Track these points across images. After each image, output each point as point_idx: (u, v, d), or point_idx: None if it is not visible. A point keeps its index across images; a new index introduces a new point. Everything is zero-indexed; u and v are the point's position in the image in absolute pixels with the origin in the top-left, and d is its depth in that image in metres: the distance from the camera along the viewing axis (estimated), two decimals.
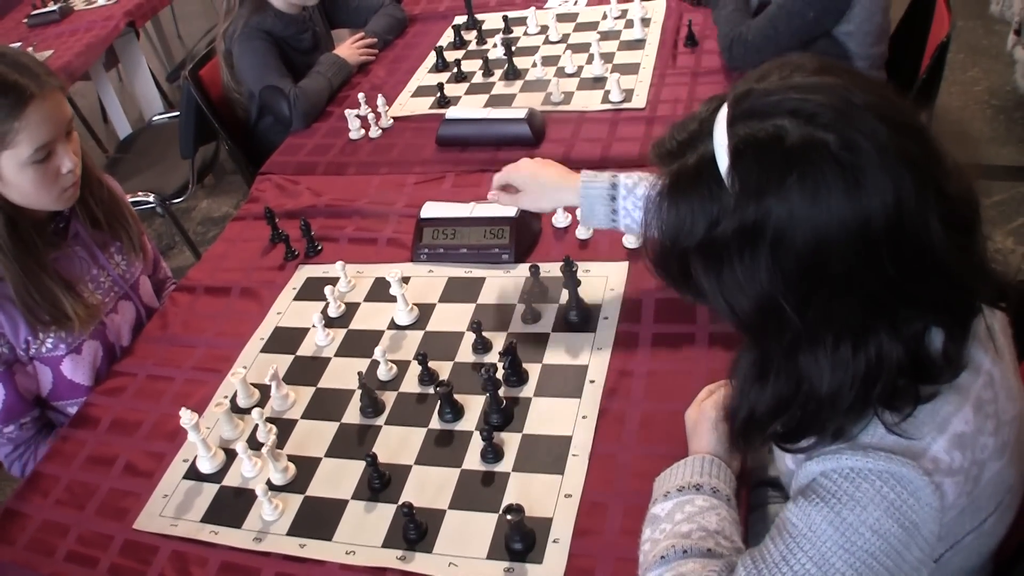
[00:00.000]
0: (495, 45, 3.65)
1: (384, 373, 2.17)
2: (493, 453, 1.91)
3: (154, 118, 5.11)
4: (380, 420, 2.07)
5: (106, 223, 2.51)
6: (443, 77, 3.51)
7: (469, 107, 3.27)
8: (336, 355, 2.29)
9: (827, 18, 3.06)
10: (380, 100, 3.30)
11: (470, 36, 3.81)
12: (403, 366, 2.20)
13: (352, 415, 2.10)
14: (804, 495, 1.37)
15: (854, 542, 1.30)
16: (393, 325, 2.33)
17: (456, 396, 2.04)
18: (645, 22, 3.54)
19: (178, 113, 4.27)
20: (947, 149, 1.30)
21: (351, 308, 2.43)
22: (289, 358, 2.31)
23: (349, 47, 3.79)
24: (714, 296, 1.34)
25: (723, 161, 1.27)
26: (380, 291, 2.44)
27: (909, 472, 1.29)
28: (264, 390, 2.20)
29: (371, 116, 3.26)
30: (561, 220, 2.55)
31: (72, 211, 2.43)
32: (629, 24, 3.57)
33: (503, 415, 1.99)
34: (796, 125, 1.21)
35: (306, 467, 2.00)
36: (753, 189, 1.23)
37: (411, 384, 2.15)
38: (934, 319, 1.29)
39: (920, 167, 1.22)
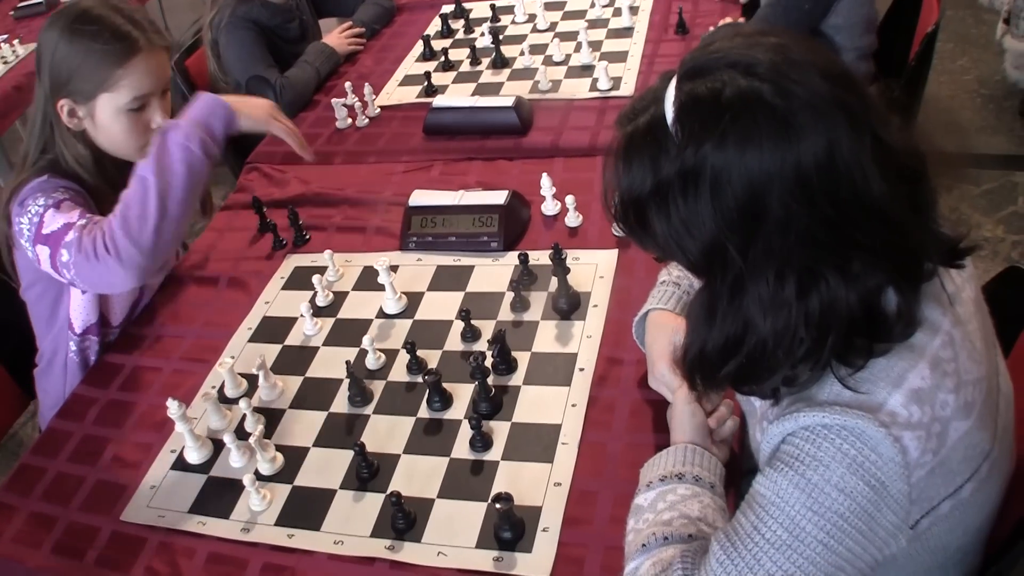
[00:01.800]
0: (483, 34, 3.64)
1: (372, 362, 2.17)
2: (482, 442, 1.90)
3: None
4: (368, 409, 2.07)
5: None
6: (430, 66, 3.50)
7: (457, 95, 3.26)
8: (324, 344, 2.28)
9: (819, 9, 3.05)
10: (367, 89, 3.29)
11: (457, 25, 3.80)
12: (391, 355, 2.19)
13: (340, 404, 2.10)
14: (770, 464, 1.39)
15: (821, 503, 1.31)
16: (381, 314, 2.33)
17: (445, 385, 2.03)
18: (633, 10, 3.54)
19: None
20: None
21: (339, 297, 2.42)
22: (277, 348, 2.30)
23: (337, 36, 3.78)
24: (666, 241, 1.39)
25: (670, 116, 1.33)
26: (368, 280, 2.43)
27: (866, 425, 1.30)
28: (252, 380, 2.19)
29: (358, 105, 3.25)
30: (551, 208, 2.54)
31: None
32: (617, 12, 3.57)
33: (492, 404, 1.98)
34: (734, 77, 1.28)
35: (294, 457, 1.99)
36: (692, 135, 1.30)
37: (399, 373, 2.14)
38: (884, 274, 1.31)
39: (855, 114, 1.27)
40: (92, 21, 2.18)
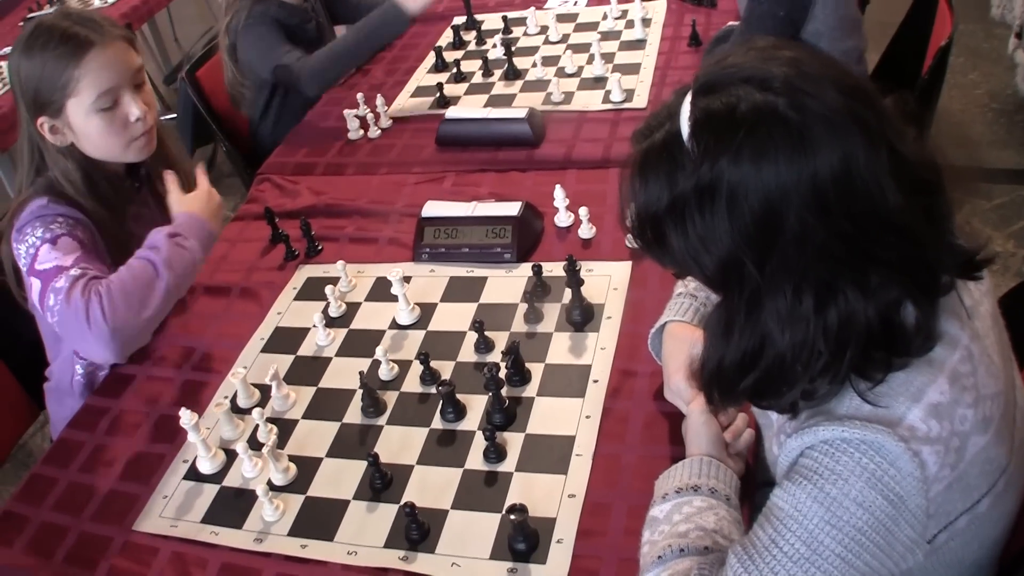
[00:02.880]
0: (495, 45, 3.65)
1: (385, 373, 2.16)
2: (496, 453, 1.90)
3: None
4: (382, 420, 2.06)
5: None
6: (442, 77, 3.50)
7: (469, 107, 3.26)
8: (337, 355, 2.28)
9: (795, 15, 3.03)
10: (379, 100, 3.29)
11: (469, 36, 3.81)
12: (405, 366, 2.18)
13: (353, 415, 2.09)
14: (788, 478, 1.39)
15: (840, 517, 1.31)
16: (394, 325, 2.32)
17: (458, 396, 2.03)
18: (646, 22, 3.54)
19: (175, 116, 4.26)
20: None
21: (352, 308, 2.41)
22: (290, 358, 2.30)
23: None
24: (683, 256, 1.39)
25: (685, 132, 1.33)
26: (381, 291, 2.43)
27: (885, 440, 1.30)
28: (264, 390, 2.19)
29: (370, 116, 3.25)
30: (564, 219, 2.54)
31: (149, 176, 2.50)
32: (630, 24, 3.57)
33: (506, 415, 1.98)
34: (749, 91, 1.28)
35: (307, 467, 1.99)
36: (708, 150, 1.29)
37: (413, 384, 2.14)
38: (902, 287, 1.31)
39: (871, 127, 1.27)
40: (41, 34, 2.20)
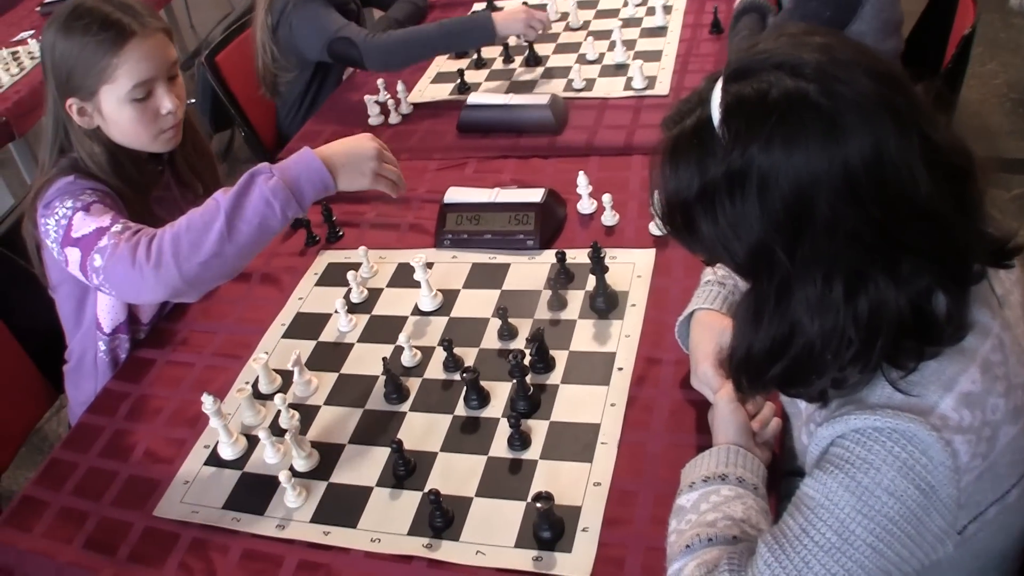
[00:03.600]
0: None
1: (408, 359, 2.15)
2: (520, 440, 1.89)
3: None
4: (405, 406, 2.05)
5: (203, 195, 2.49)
6: (463, 63, 3.50)
7: (490, 93, 3.26)
8: (359, 341, 2.27)
9: (841, 16, 3.02)
10: (400, 86, 3.28)
11: None
12: (427, 352, 2.18)
13: (376, 401, 2.08)
14: (819, 467, 1.38)
15: (871, 506, 1.30)
16: (417, 311, 2.31)
17: (482, 383, 2.02)
18: (667, 9, 3.54)
19: (192, 101, 4.24)
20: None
21: (374, 294, 2.41)
22: (311, 344, 2.29)
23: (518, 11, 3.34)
24: (713, 243, 1.39)
25: (716, 118, 1.33)
26: (403, 277, 2.42)
27: (917, 429, 1.29)
28: (286, 376, 2.18)
29: (391, 102, 3.25)
30: (586, 206, 2.53)
31: (172, 163, 2.47)
32: (651, 11, 3.57)
33: (530, 402, 1.97)
34: (780, 77, 1.28)
35: (330, 453, 1.98)
36: (739, 137, 1.29)
37: (436, 370, 2.13)
38: (932, 276, 1.30)
39: (902, 114, 1.27)
40: (82, 15, 2.16)
